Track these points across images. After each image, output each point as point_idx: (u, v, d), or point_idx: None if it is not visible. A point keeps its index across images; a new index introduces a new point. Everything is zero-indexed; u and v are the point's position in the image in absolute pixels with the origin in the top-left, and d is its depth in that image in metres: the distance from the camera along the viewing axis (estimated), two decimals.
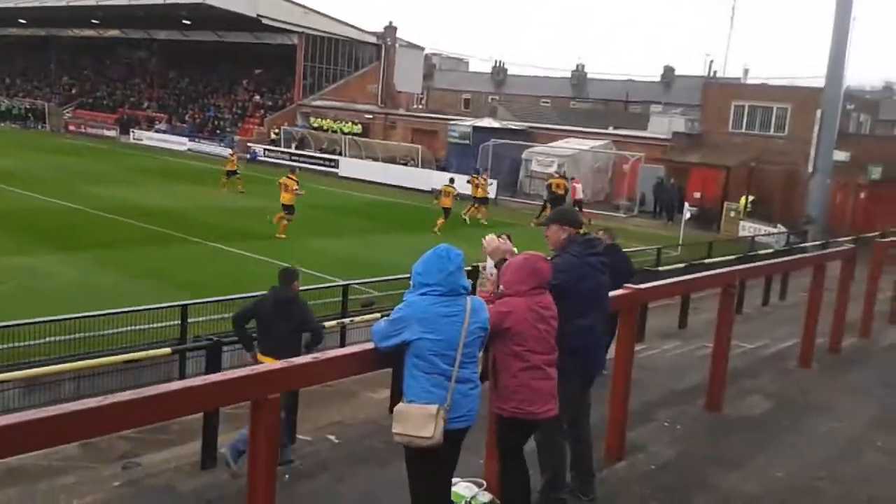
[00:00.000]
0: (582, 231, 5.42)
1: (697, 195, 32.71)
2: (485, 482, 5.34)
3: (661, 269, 16.12)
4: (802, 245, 23.49)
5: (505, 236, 5.90)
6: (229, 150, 37.88)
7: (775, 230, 27.25)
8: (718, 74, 51.35)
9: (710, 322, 9.65)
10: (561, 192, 28.74)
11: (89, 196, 25.64)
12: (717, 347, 7.49)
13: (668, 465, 6.30)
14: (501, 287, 4.78)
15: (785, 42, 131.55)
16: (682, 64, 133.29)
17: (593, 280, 5.21)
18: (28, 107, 58.30)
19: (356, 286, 12.98)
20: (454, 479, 4.81)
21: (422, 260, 4.36)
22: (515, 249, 5.22)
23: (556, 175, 30.73)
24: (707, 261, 17.69)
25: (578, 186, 31.47)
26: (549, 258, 5.05)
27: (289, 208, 21.84)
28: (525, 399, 4.59)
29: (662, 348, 11.60)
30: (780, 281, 17.16)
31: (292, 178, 22.14)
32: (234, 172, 31.05)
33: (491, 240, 5.27)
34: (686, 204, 27.07)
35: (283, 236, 21.49)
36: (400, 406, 4.31)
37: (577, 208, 30.98)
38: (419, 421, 4.19)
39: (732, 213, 30.83)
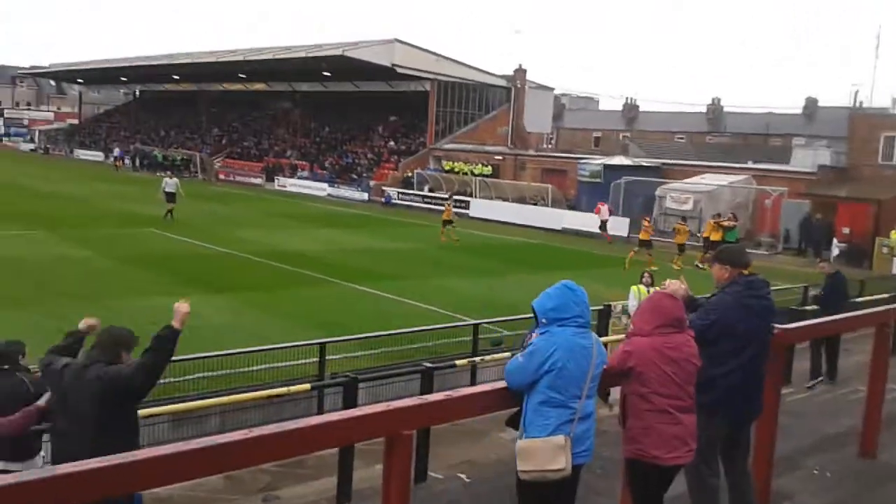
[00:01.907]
0: (746, 272, 5.20)
1: (846, 231, 31.06)
2: None
3: (807, 308, 15.34)
4: None
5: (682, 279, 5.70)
6: (446, 200, 34.73)
7: None
8: (865, 105, 48.93)
9: (863, 364, 9.10)
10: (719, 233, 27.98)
11: (236, 240, 26.91)
12: (872, 390, 7.05)
13: None
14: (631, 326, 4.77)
15: None
16: (826, 95, 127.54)
17: (749, 322, 5.01)
18: (183, 157, 62.20)
19: (486, 325, 13.01)
20: None
21: (549, 296, 4.35)
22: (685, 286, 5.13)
23: (730, 216, 29.53)
24: (859, 299, 16.71)
25: (604, 208, 32.31)
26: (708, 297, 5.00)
27: (647, 244, 26.24)
28: (649, 443, 4.46)
29: (811, 392, 11.01)
30: None
31: (648, 222, 27.57)
32: (450, 222, 30.64)
33: (674, 285, 5.18)
34: (834, 240, 25.74)
35: (656, 268, 23.35)
36: (523, 443, 4.23)
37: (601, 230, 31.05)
38: (548, 454, 4.10)
39: (885, 250, 29.09)
